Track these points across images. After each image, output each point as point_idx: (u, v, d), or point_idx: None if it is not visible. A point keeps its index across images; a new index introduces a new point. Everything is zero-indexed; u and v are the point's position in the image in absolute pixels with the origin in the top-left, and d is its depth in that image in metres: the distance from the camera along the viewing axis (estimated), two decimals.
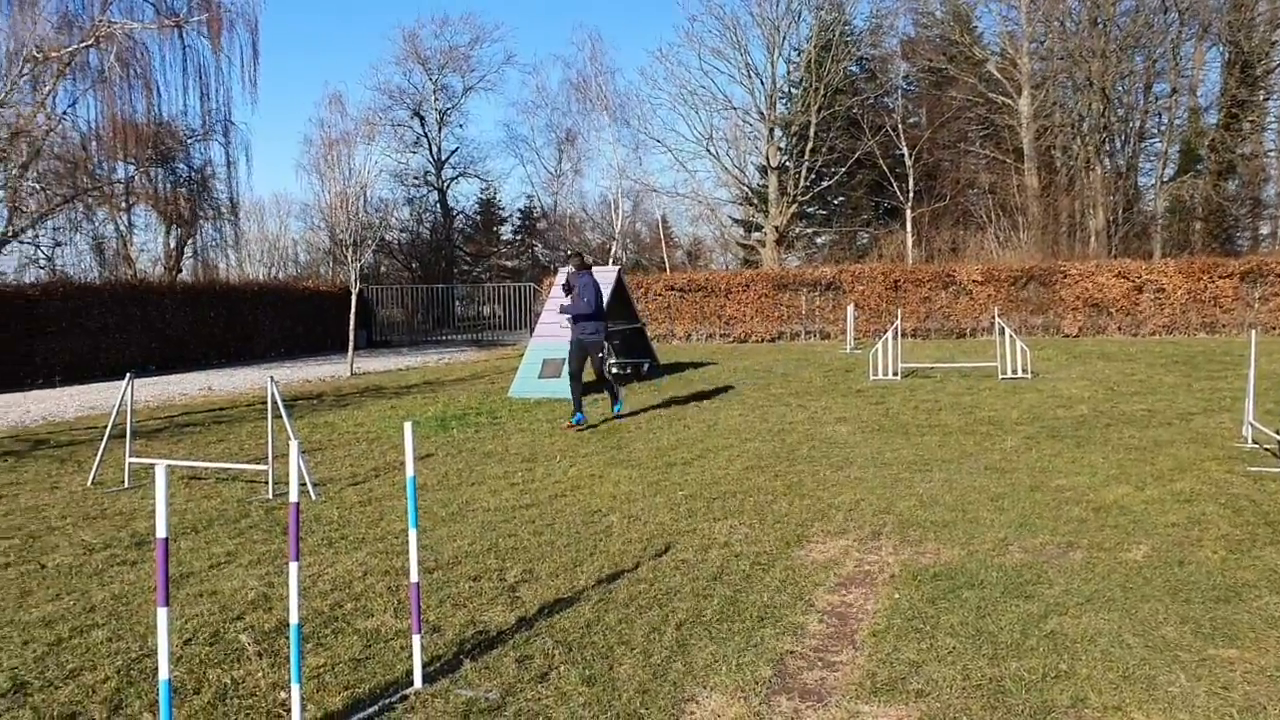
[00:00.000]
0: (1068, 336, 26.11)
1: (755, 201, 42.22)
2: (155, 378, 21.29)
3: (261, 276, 39.12)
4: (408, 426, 4.43)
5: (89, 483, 9.14)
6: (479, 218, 53.80)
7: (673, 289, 30.33)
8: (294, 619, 3.88)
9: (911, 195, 38.91)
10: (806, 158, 38.88)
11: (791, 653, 4.58)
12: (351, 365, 21.33)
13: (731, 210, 45.17)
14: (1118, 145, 38.56)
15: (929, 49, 40.48)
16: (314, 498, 8.31)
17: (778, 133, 40.59)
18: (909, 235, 38.97)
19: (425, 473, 9.19)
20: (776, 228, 39.71)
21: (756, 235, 42.62)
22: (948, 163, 40.75)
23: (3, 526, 7.53)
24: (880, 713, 3.95)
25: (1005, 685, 4.15)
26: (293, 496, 3.84)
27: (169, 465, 9.45)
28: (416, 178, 49.45)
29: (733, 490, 8.09)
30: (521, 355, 19.30)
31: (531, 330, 31.34)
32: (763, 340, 29.01)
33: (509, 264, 53.99)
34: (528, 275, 47.19)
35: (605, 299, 17.07)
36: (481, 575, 5.93)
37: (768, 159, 40.13)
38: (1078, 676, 4.22)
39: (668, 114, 79.17)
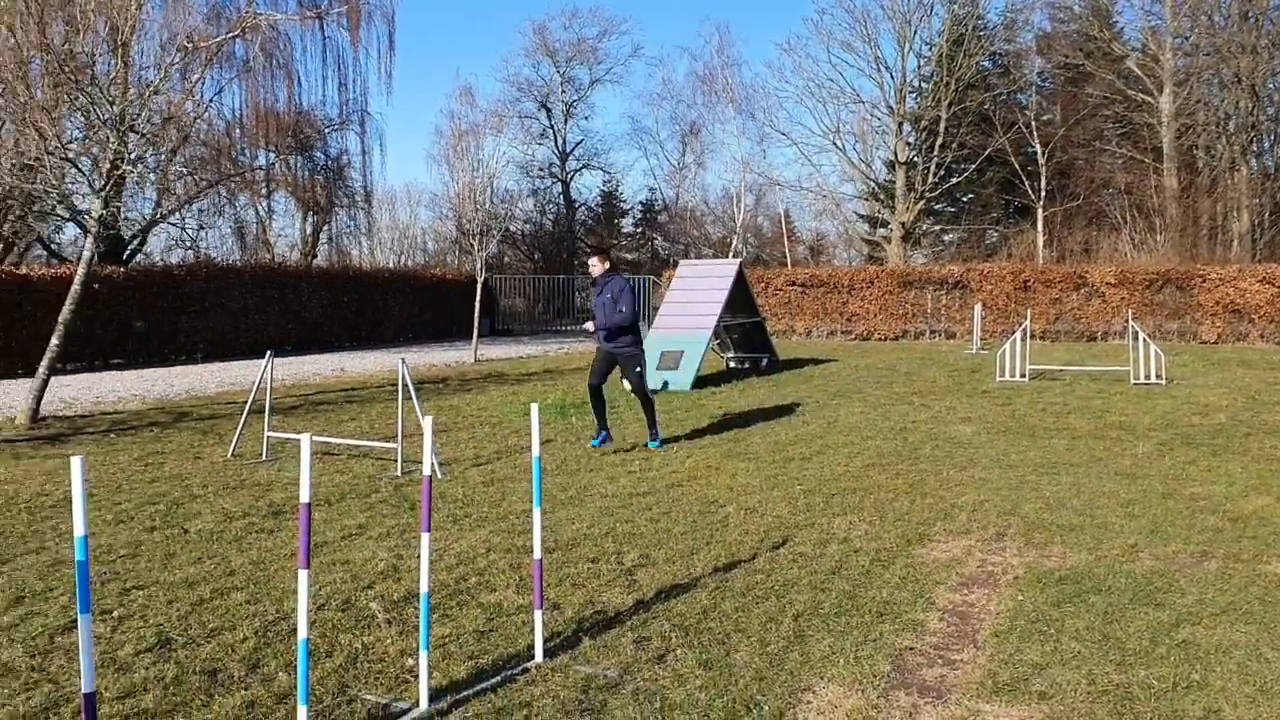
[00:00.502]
0: (1205, 343, 25.02)
1: (881, 197, 41.57)
2: (291, 358, 22.10)
3: (391, 264, 40.19)
4: (534, 408, 4.53)
5: (229, 454, 9.57)
6: (600, 210, 54.25)
7: (794, 284, 30.12)
8: (424, 588, 4.02)
9: (1043, 194, 37.80)
10: (935, 153, 38.11)
11: (911, 649, 4.54)
12: (475, 352, 21.77)
13: (856, 205, 44.62)
14: (1266, 145, 36.78)
15: (1065, 44, 39.22)
16: (440, 476, 8.54)
17: (906, 127, 39.89)
18: (1039, 235, 37.88)
19: (545, 458, 9.35)
20: (903, 224, 39.03)
21: (882, 231, 41.98)
22: (1082, 161, 39.43)
23: (150, 493, 7.94)
24: (1002, 712, 3.89)
25: (1133, 692, 4.04)
26: (426, 470, 3.97)
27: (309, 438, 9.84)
28: (541, 169, 50.11)
29: (852, 487, 8.03)
30: None
31: (649, 322, 31.57)
32: (886, 338, 28.59)
33: (629, 256, 54.28)
34: (647, 268, 47.39)
35: (725, 300, 16.92)
36: (599, 558, 6.02)
37: (896, 154, 39.47)
38: (1210, 688, 4.08)
39: (794, 107, 78.43)
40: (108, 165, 11.38)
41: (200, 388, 15.92)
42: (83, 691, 3.00)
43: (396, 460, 8.92)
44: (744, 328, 18.88)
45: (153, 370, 19.08)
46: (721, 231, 48.62)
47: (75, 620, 4.90)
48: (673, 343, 16.07)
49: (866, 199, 43.49)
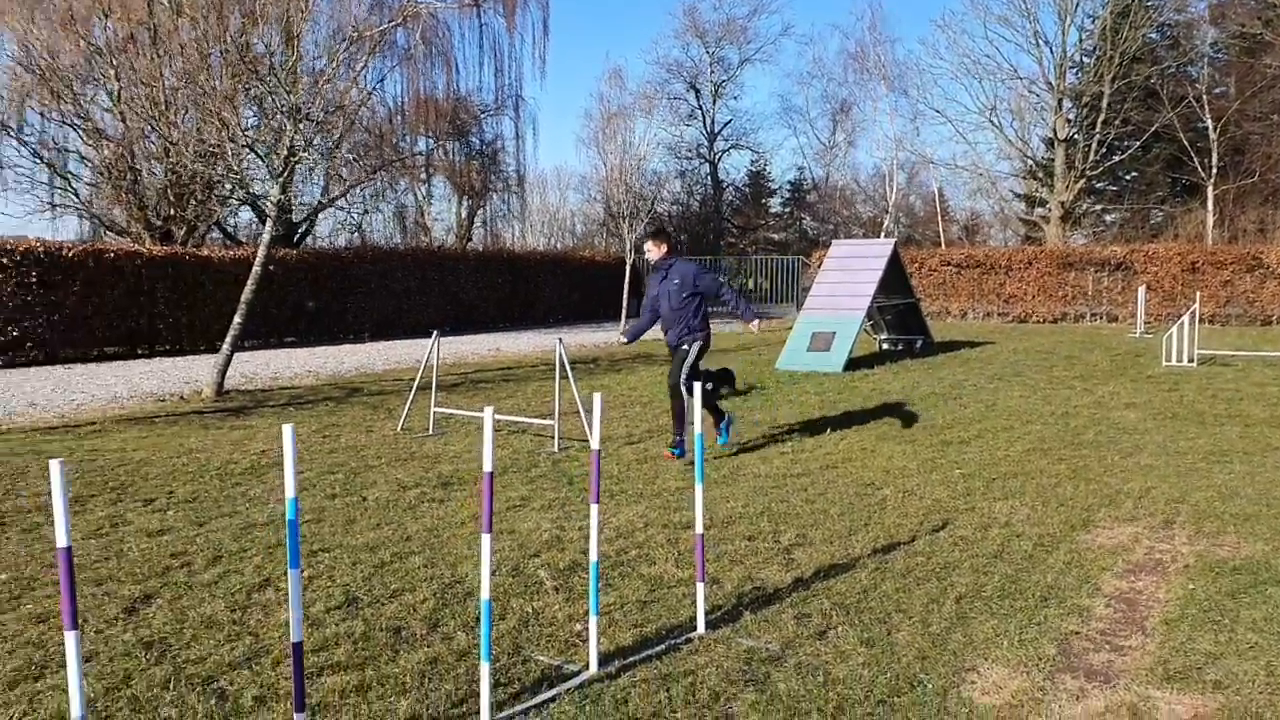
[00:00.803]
0: None
1: (1040, 175, 40.16)
2: (449, 338, 22.85)
3: (541, 246, 40.99)
4: (697, 387, 4.64)
5: (399, 428, 10.03)
6: (748, 190, 53.99)
7: (949, 264, 29.47)
8: (594, 556, 4.20)
9: (1214, 171, 35.86)
10: (1097, 130, 36.54)
11: (1076, 634, 4.49)
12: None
13: (1013, 184, 43.21)
14: None
15: (1242, 13, 36.98)
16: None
17: (1066, 104, 38.38)
18: (1209, 214, 35.97)
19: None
20: (1062, 203, 37.63)
21: (1039, 211, 40.56)
22: (1258, 136, 37.18)
23: (329, 463, 8.40)
24: (1174, 700, 3.83)
25: None
26: (594, 445, 4.14)
27: (469, 415, 10.24)
28: (689, 150, 50.17)
29: (1013, 471, 7.90)
30: (789, 328, 19.39)
31: (799, 304, 31.31)
32: (1044, 321, 27.71)
33: (776, 237, 53.88)
34: (795, 248, 46.99)
35: (879, 281, 16.52)
36: (756, 536, 6.12)
37: (1055, 131, 38.05)
38: None
39: (949, 84, 76.46)
40: (285, 152, 12.00)
41: (368, 365, 16.65)
42: (292, 640, 3.27)
43: (554, 436, 9.19)
44: (898, 309, 18.61)
45: (323, 348, 20.02)
46: (872, 211, 47.84)
47: (269, 579, 5.29)
48: (825, 324, 15.99)
49: (1024, 177, 42.08)
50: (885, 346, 18.77)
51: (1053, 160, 38.61)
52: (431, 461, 8.46)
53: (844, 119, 50.47)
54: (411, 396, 10.31)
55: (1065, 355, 17.45)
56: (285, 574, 5.39)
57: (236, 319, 12.53)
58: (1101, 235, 41.50)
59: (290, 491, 3.26)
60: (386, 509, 6.81)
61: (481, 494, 7.16)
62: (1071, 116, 38.45)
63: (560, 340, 9.60)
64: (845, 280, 16.80)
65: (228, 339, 12.56)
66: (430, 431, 9.86)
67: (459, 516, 6.61)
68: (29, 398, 12.33)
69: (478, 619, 4.70)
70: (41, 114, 21.18)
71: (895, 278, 17.85)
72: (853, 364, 15.43)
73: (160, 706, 3.79)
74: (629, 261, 22.50)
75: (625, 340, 9.05)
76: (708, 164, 50.67)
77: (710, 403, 8.95)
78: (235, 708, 3.79)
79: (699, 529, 4.66)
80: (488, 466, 3.69)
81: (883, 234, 36.58)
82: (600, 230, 44.97)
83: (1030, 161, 40.66)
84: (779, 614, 4.74)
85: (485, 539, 3.67)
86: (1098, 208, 42.62)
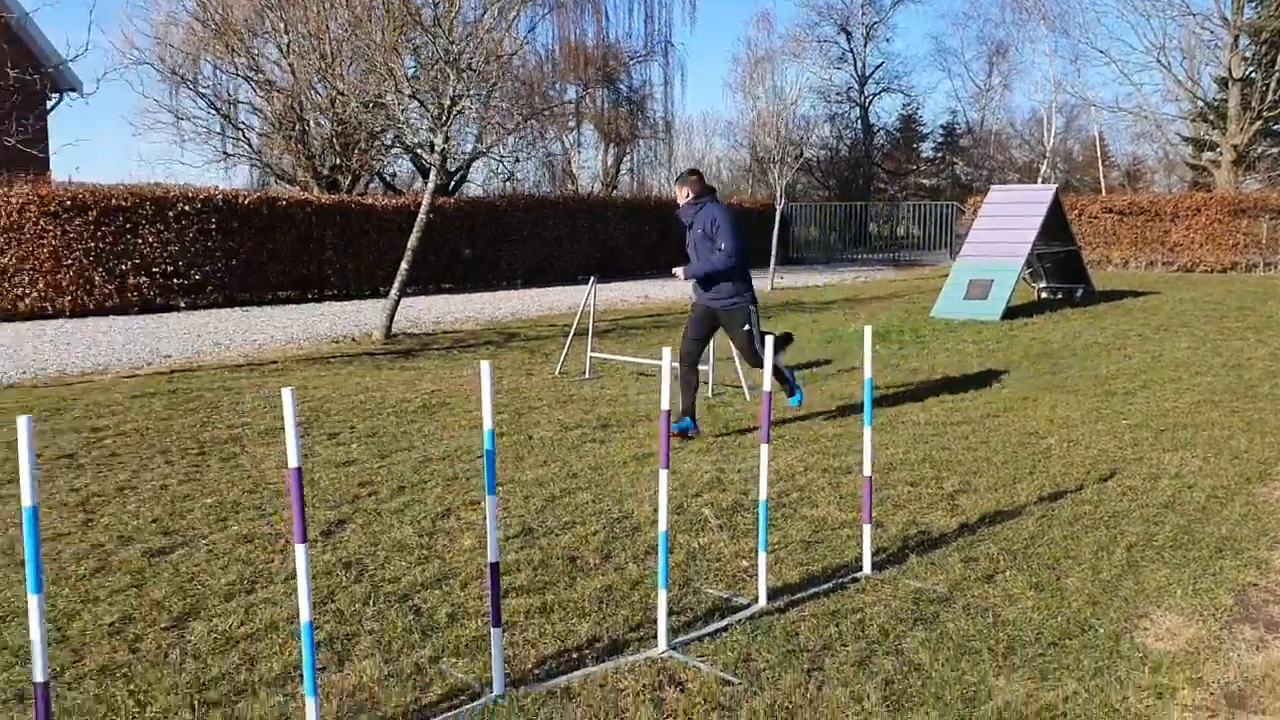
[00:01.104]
0: None
1: (1210, 118, 37.94)
2: (597, 285, 23.19)
3: None
4: (867, 331, 4.69)
5: (556, 372, 10.34)
6: (899, 135, 52.73)
7: (1110, 211, 28.27)
8: (763, 494, 4.33)
9: None
10: (1277, 68, 34.28)
11: (1254, 585, 4.42)
12: (772, 280, 22.02)
13: (1180, 127, 40.94)
14: None
15: None
16: (748, 399, 8.88)
17: (1243, 40, 36.02)
18: None
19: (853, 384, 9.49)
20: (1235, 147, 35.51)
21: (1209, 155, 38.36)
22: None
23: (494, 403, 8.74)
24: None
25: None
26: (765, 386, 4.26)
27: (624, 360, 10.47)
28: (839, 94, 49.21)
29: (1183, 423, 7.67)
30: (942, 276, 19.02)
31: (952, 251, 30.57)
32: (1213, 270, 26.37)
33: (927, 182, 52.59)
34: (947, 194, 45.78)
35: (1039, 228, 15.93)
36: (918, 482, 6.15)
37: (1229, 70, 35.80)
38: None
39: (1113, 22, 72.69)
40: (447, 102, 12.35)
41: (523, 311, 17.10)
42: (489, 561, 3.51)
43: (707, 382, 9.31)
44: (1058, 257, 18.03)
45: (479, 295, 20.61)
46: (1028, 156, 46.13)
47: (449, 509, 5.60)
48: (982, 271, 15.65)
49: (1192, 120, 39.78)
50: (1044, 295, 18.23)
51: (1225, 101, 36.38)
52: (590, 404, 8.71)
53: (1000, 61, 48.77)
54: (569, 341, 10.59)
55: (1237, 306, 16.64)
56: (465, 504, 5.71)
57: (404, 265, 13.04)
58: (1278, 180, 39.06)
59: (488, 423, 3.49)
60: (552, 447, 7.08)
61: (634, 437, 7.40)
62: (1248, 54, 36.11)
63: None
64: (1004, 227, 16.36)
65: (395, 284, 13.09)
66: (586, 375, 10.14)
67: (620, 456, 6.82)
68: (213, 338, 13.14)
69: (647, 551, 4.90)
70: (216, 67, 22.26)
71: (1056, 224, 17.27)
72: (1011, 313, 15.07)
73: (363, 620, 4.11)
74: (779, 207, 22.35)
75: (685, 276, 7.71)
76: (858, 108, 49.65)
77: (779, 373, 7.91)
78: (430, 623, 4.07)
79: (867, 470, 4.73)
80: (665, 405, 3.85)
81: (1039, 180, 35.23)
82: (746, 176, 44.69)
83: (1200, 103, 38.41)
84: (945, 558, 4.79)
85: (663, 474, 3.84)
86: (1275, 150, 40.07)
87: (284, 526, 5.30)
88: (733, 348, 8.10)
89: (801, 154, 34.51)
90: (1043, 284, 18.41)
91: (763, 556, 4.29)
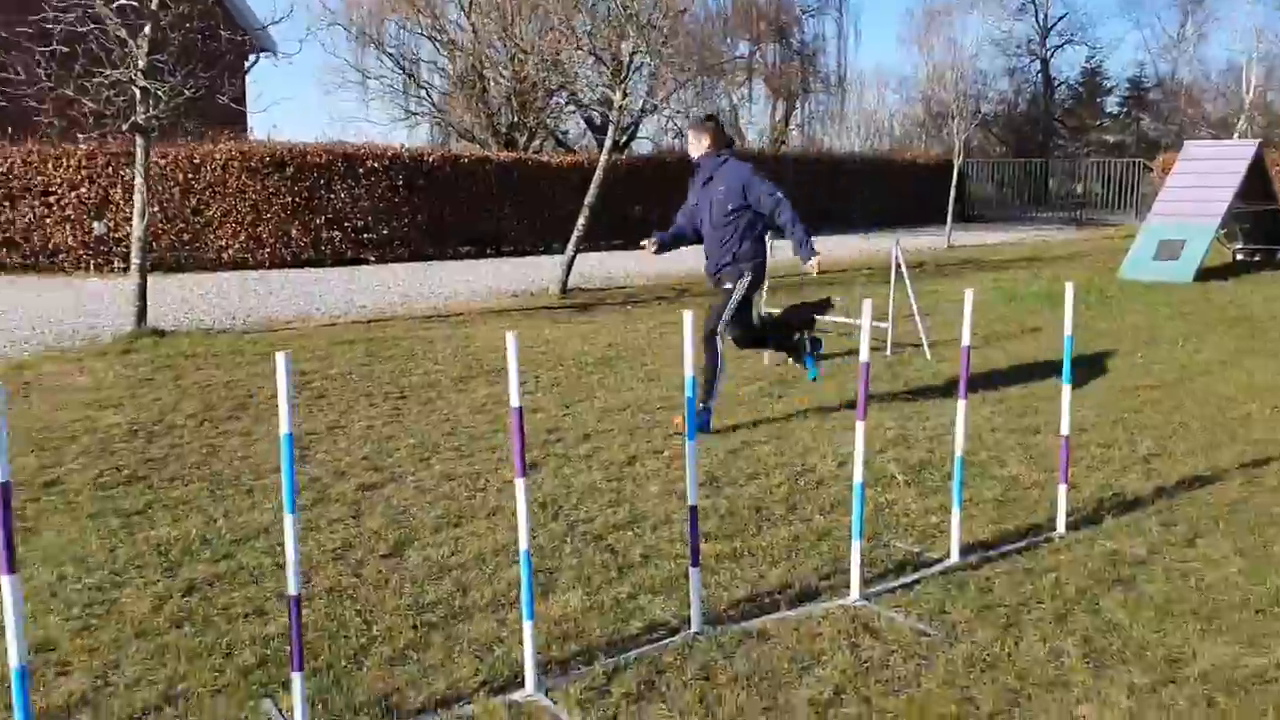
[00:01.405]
0: None
1: None
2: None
3: (856, 149, 40.21)
4: (1069, 287, 4.60)
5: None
6: (1081, 89, 50.25)
7: None
8: (959, 449, 4.32)
9: None
10: None
11: None
12: (949, 237, 21.48)
13: None
14: None
15: None
16: (928, 358, 8.77)
17: None
18: None
19: (1034, 344, 9.26)
20: None
21: None
22: None
23: (668, 358, 8.91)
24: None
25: None
26: (964, 341, 4.24)
27: (870, 304, 10.45)
28: (1018, 46, 47.20)
29: None
30: (1127, 237, 18.18)
31: (1137, 211, 29.10)
32: None
33: (1110, 139, 49.99)
34: (1132, 150, 43.46)
35: (1238, 186, 14.98)
36: (1110, 444, 5.99)
37: None
38: None
39: None
40: (625, 58, 12.48)
41: (695, 268, 17.16)
42: (689, 503, 3.64)
43: (885, 340, 9.23)
44: (1258, 217, 16.98)
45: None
46: (1223, 110, 43.30)
47: (634, 456, 5.78)
48: (1174, 231, 14.90)
49: None
50: (1240, 257, 17.23)
51: None
52: (761, 360, 8.77)
53: (1195, 9, 45.76)
54: (763, 300, 10.62)
55: None
56: (648, 452, 5.88)
57: (581, 221, 13.31)
58: None
59: (688, 371, 3.61)
60: (731, 401, 7.16)
61: (813, 391, 7.42)
62: None
63: (897, 243, 9.58)
64: (1199, 185, 15.48)
65: (571, 241, 13.37)
66: None
67: (797, 410, 6.87)
68: (401, 290, 13.74)
69: (833, 505, 4.96)
70: (402, 27, 23.05)
71: (1257, 182, 16.25)
72: (1204, 274, 14.31)
73: (562, 555, 4.32)
74: (957, 163, 21.72)
75: (655, 248, 6.81)
76: (1038, 61, 47.55)
77: (788, 345, 7.14)
78: (625, 562, 4.25)
79: (1064, 429, 4.66)
80: (864, 357, 3.89)
81: (1235, 135, 33.09)
82: (919, 132, 43.47)
83: None
84: (1142, 520, 4.68)
85: (859, 425, 3.89)
86: None
87: (480, 466, 5.58)
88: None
89: (978, 108, 33.38)
90: (1238, 245, 17.40)
91: (956, 511, 4.29)
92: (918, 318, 9.21)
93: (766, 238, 6.83)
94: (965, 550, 4.32)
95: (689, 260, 18.08)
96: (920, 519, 4.79)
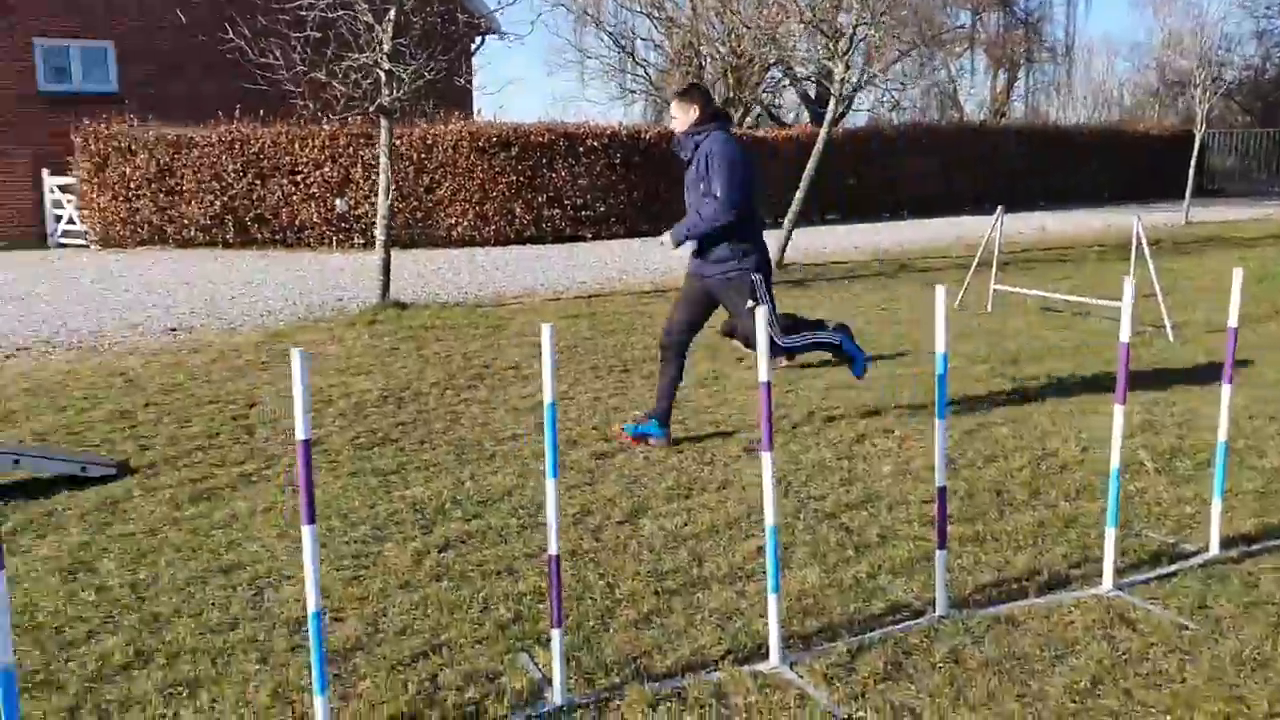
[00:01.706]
0: None
1: None
2: (987, 217, 22.28)
3: (1083, 119, 38.13)
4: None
5: (955, 304, 10.11)
6: None
7: None
8: (1222, 435, 4.07)
9: None
10: None
11: None
12: (1187, 213, 20.13)
13: None
14: None
15: None
16: (1171, 339, 8.28)
17: None
18: None
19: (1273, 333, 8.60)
20: None
21: None
22: None
23: (894, 333, 8.74)
24: None
25: None
26: (1231, 322, 3.98)
27: (1027, 293, 10.06)
28: (1268, 7, 43.45)
29: None
30: None
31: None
32: None
33: None
34: None
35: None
36: None
37: None
38: None
39: None
40: (850, 31, 12.26)
41: (910, 242, 16.80)
42: (938, 484, 3.58)
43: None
44: None
45: (863, 225, 20.46)
46: None
47: (863, 434, 5.70)
48: None
49: None
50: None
51: None
52: (996, 338, 8.48)
53: None
54: (971, 272, 10.31)
55: None
56: (879, 431, 5.81)
57: (799, 194, 13.20)
58: None
59: (940, 346, 3.53)
60: (959, 381, 6.97)
61: (1055, 373, 7.13)
62: None
63: (1138, 218, 9.06)
64: None
65: (789, 215, 13.29)
66: (988, 309, 9.84)
67: (1034, 392, 6.63)
68: (619, 266, 14.03)
69: (1078, 491, 4.77)
70: (621, 5, 23.39)
71: None
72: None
73: (796, 531, 4.33)
74: (1199, 134, 20.30)
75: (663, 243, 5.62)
76: None
77: (795, 347, 5.96)
78: (861, 541, 4.22)
79: None
80: (1124, 336, 3.72)
81: None
82: (1153, 101, 40.82)
83: None
84: None
85: (1118, 410, 3.71)
86: None
87: (708, 440, 5.65)
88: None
89: (1220, 75, 31.02)
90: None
91: (1217, 501, 4.05)
92: (1160, 297, 8.69)
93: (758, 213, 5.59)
94: (1226, 543, 4.07)
95: (902, 234, 17.74)
96: (1173, 508, 4.55)
